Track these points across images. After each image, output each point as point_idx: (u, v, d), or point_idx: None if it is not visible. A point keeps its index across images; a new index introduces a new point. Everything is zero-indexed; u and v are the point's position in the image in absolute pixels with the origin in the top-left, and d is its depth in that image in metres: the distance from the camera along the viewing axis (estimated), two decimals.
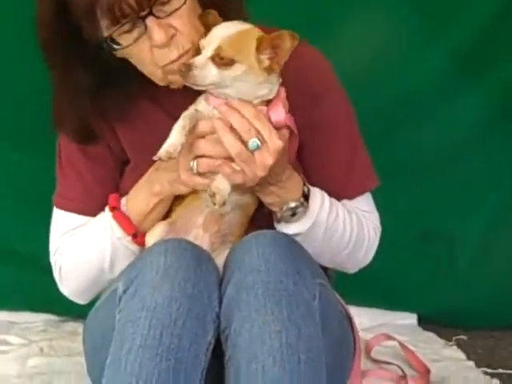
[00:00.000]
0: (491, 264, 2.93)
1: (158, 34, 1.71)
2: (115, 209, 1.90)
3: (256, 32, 1.72)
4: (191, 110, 1.76)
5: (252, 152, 1.69)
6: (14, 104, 2.69)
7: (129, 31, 1.73)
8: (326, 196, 1.91)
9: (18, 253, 2.77)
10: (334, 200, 1.93)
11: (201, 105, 1.77)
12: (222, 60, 1.68)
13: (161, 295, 1.57)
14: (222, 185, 1.71)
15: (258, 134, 1.69)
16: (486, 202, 2.92)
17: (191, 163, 1.75)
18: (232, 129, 1.69)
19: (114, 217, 1.89)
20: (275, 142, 1.69)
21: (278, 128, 1.73)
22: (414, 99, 2.82)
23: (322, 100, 1.95)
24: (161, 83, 1.83)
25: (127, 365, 1.52)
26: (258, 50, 1.70)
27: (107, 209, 1.92)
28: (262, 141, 1.69)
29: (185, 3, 1.73)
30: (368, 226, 2.00)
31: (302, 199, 1.84)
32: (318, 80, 1.96)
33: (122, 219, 1.89)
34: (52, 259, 2.02)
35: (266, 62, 1.71)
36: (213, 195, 1.70)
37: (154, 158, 1.69)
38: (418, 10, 2.79)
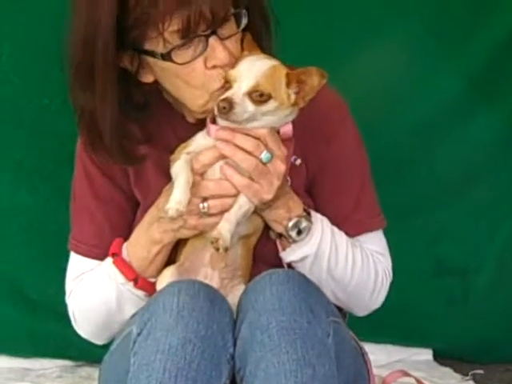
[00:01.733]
0: (505, 296, 2.91)
1: (222, 53, 1.73)
2: (116, 255, 1.91)
3: (283, 67, 1.74)
4: (182, 158, 1.75)
5: (265, 164, 1.73)
6: (26, 146, 2.70)
7: (188, 47, 1.72)
8: (326, 220, 1.92)
9: (31, 299, 2.76)
10: (335, 228, 1.94)
11: (194, 143, 1.78)
12: (260, 97, 1.69)
13: (175, 337, 1.56)
14: (224, 230, 1.72)
15: (266, 146, 1.73)
16: (499, 232, 2.90)
17: (201, 206, 1.76)
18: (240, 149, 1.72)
19: (115, 263, 1.91)
20: (284, 151, 1.75)
21: (284, 139, 1.78)
22: (428, 124, 2.83)
23: (333, 140, 1.97)
24: (197, 111, 1.82)
25: None
26: (288, 85, 1.72)
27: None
28: (272, 152, 1.73)
29: (240, 27, 1.76)
30: (376, 265, 1.98)
31: (304, 213, 1.86)
32: (329, 119, 1.97)
33: (123, 266, 1.90)
34: (67, 301, 2.04)
35: (293, 97, 1.74)
36: (216, 241, 1.70)
37: (163, 215, 1.71)
38: (431, 34, 2.80)
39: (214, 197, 1.76)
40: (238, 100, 1.67)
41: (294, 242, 1.86)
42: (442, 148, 2.87)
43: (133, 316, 1.83)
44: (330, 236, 1.89)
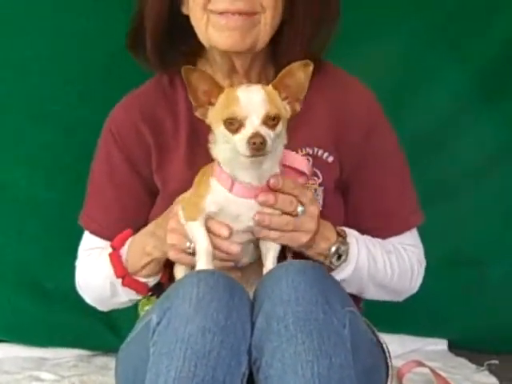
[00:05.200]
0: None
1: None
2: (114, 249, 1.97)
3: (266, 85, 1.72)
4: (199, 221, 1.74)
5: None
6: (42, 140, 2.72)
7: None
8: (359, 236, 1.96)
9: (47, 289, 2.78)
10: (368, 239, 1.98)
11: (212, 201, 1.74)
12: (273, 121, 1.66)
13: (194, 326, 1.57)
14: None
15: (298, 199, 1.77)
16: None
17: (187, 244, 1.78)
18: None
19: (110, 256, 1.97)
20: (308, 194, 1.81)
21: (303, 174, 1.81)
22: (439, 117, 2.84)
23: (372, 134, 2.00)
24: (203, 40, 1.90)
25: None
26: (281, 95, 1.71)
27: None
28: (303, 204, 1.77)
29: None
30: (411, 261, 2.04)
31: (340, 239, 1.89)
32: (367, 114, 2.00)
33: (116, 261, 1.96)
34: (76, 266, 2.13)
35: (288, 106, 1.73)
36: None
37: (197, 269, 1.74)
38: (436, 32, 2.81)
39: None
40: (263, 131, 1.64)
41: (336, 266, 1.90)
42: (456, 139, 2.88)
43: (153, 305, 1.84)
44: (365, 251, 1.94)
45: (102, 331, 2.78)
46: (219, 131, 1.69)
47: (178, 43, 1.99)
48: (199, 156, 1.79)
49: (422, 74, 2.83)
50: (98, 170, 2.07)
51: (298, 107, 1.74)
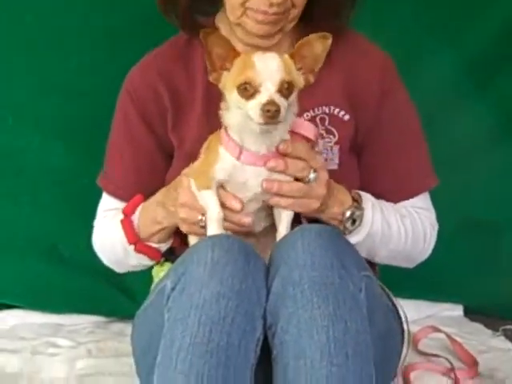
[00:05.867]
0: None
1: None
2: (126, 215, 1.98)
3: (282, 53, 1.70)
4: (212, 189, 1.74)
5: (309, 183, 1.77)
6: (56, 108, 2.72)
7: None
8: (375, 200, 1.96)
9: (63, 256, 2.79)
10: (383, 203, 1.98)
11: (221, 168, 1.73)
12: (287, 89, 1.65)
13: (209, 292, 1.57)
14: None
15: (310, 166, 1.76)
16: None
17: (199, 218, 1.79)
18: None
19: (122, 223, 1.98)
20: (319, 159, 1.81)
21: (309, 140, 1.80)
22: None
23: (387, 96, 2.00)
24: (232, 20, 1.90)
25: (178, 363, 1.52)
26: (296, 66, 1.70)
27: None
28: (315, 169, 1.77)
29: None
30: (424, 224, 2.04)
31: (355, 203, 1.89)
32: (383, 77, 2.00)
33: (128, 228, 1.98)
34: (94, 226, 2.15)
35: (302, 77, 1.71)
36: None
37: (208, 235, 1.74)
38: (429, 16, 2.78)
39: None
40: (277, 99, 1.62)
41: (349, 231, 1.90)
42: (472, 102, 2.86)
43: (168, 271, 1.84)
44: (380, 216, 1.94)
45: (118, 297, 2.79)
46: (232, 97, 1.68)
47: (204, 4, 2.01)
48: (215, 116, 1.78)
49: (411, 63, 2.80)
50: (117, 131, 2.08)
51: (312, 79, 1.73)
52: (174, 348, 1.54)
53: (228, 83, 1.69)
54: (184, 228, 1.85)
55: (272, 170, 1.73)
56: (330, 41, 1.68)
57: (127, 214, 1.98)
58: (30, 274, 2.79)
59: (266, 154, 1.73)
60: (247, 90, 1.64)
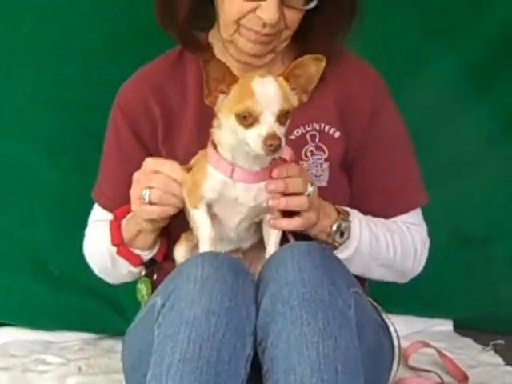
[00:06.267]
0: None
1: (274, 13, 1.81)
2: (116, 217, 1.99)
3: (276, 75, 1.69)
4: (201, 209, 1.75)
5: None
6: (46, 121, 2.71)
7: None
8: (362, 216, 1.98)
9: (53, 273, 2.78)
10: (370, 219, 1.99)
11: (210, 187, 1.73)
12: (285, 116, 1.65)
13: (199, 309, 1.57)
14: None
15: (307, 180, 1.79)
16: None
17: (143, 193, 1.80)
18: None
19: (110, 224, 1.99)
20: (314, 183, 1.83)
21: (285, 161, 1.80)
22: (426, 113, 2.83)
23: (378, 114, 2.02)
24: (224, 37, 1.92)
25: (168, 380, 1.52)
26: (291, 86, 1.69)
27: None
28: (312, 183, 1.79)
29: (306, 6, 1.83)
30: (414, 239, 2.05)
31: (341, 216, 1.91)
32: (374, 95, 2.02)
33: (114, 229, 1.98)
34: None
35: (295, 98, 1.70)
36: None
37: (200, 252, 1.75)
38: (426, 22, 2.79)
39: (158, 188, 1.79)
40: (278, 131, 1.62)
41: (339, 244, 1.91)
42: (455, 119, 2.87)
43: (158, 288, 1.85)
44: (367, 231, 1.95)
45: (108, 314, 2.79)
46: (229, 122, 1.66)
47: (200, 19, 2.02)
48: (206, 132, 1.79)
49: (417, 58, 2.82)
50: (108, 144, 2.10)
51: (305, 98, 1.73)
52: (164, 364, 1.54)
53: (225, 108, 1.68)
54: (155, 198, 1.80)
55: (272, 191, 1.73)
56: (323, 63, 1.69)
57: (118, 217, 1.99)
58: (20, 291, 2.78)
59: (259, 171, 1.73)
60: (246, 119, 1.63)
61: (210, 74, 1.66)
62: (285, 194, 1.75)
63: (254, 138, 1.62)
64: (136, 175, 1.85)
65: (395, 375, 2.03)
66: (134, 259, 2.00)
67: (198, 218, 1.76)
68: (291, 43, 1.96)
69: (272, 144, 1.60)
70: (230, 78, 1.66)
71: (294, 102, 1.70)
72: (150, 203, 1.79)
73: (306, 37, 1.95)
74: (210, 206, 1.76)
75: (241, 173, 1.72)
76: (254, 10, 1.83)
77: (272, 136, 1.61)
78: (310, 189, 1.78)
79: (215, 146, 1.74)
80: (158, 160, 1.85)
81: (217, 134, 1.73)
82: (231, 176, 1.72)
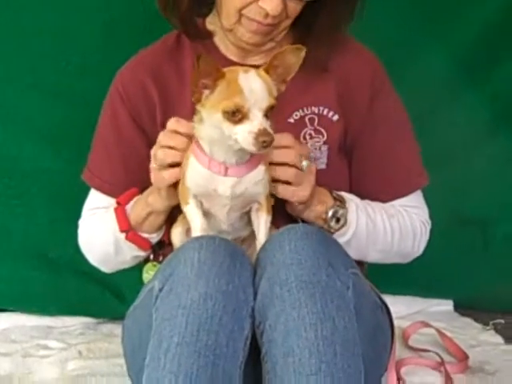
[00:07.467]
0: None
1: (278, 4, 1.81)
2: (119, 204, 1.99)
3: (259, 68, 1.69)
4: (192, 203, 1.77)
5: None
6: (48, 111, 2.70)
7: None
8: (359, 202, 1.99)
9: (53, 259, 2.78)
10: (368, 204, 2.00)
11: (193, 181, 1.75)
12: (270, 110, 1.65)
13: (196, 292, 1.58)
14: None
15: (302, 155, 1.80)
16: None
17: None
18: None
19: (115, 211, 1.99)
20: (308, 150, 1.87)
21: None
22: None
23: (377, 97, 2.02)
24: (225, 26, 1.92)
25: (166, 363, 1.53)
26: (271, 77, 1.69)
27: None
28: (306, 157, 1.80)
29: None
30: (414, 223, 2.06)
31: (337, 202, 1.91)
32: (372, 78, 2.03)
33: (121, 216, 1.98)
34: (79, 225, 2.15)
35: (275, 89, 1.70)
36: None
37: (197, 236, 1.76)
38: (419, 11, 2.77)
39: (163, 148, 1.80)
40: (267, 127, 1.63)
41: (335, 230, 1.92)
42: (455, 101, 2.86)
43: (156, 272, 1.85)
44: (365, 216, 1.96)
45: (108, 299, 2.79)
46: (214, 118, 1.66)
47: (202, 6, 2.03)
48: None
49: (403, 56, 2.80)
50: (104, 128, 2.09)
51: (283, 88, 1.72)
52: (162, 348, 1.55)
53: (210, 104, 1.67)
54: (166, 174, 1.81)
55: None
56: (303, 53, 1.68)
57: (121, 203, 1.99)
58: (20, 277, 2.78)
59: (233, 164, 1.73)
60: (235, 116, 1.63)
61: (201, 70, 1.65)
62: (274, 164, 1.77)
63: (244, 134, 1.63)
64: (153, 151, 1.84)
65: (395, 355, 2.03)
66: (143, 243, 2.01)
67: (189, 212, 1.78)
68: (289, 30, 1.97)
69: (265, 140, 1.61)
70: (216, 73, 1.65)
71: (276, 93, 1.69)
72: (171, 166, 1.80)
73: (311, 30, 1.95)
74: (201, 203, 1.78)
75: (216, 165, 1.72)
76: (256, 0, 1.83)
77: (264, 132, 1.61)
78: (304, 163, 1.79)
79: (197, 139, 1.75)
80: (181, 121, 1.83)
81: (197, 128, 1.74)
82: (209, 167, 1.73)
